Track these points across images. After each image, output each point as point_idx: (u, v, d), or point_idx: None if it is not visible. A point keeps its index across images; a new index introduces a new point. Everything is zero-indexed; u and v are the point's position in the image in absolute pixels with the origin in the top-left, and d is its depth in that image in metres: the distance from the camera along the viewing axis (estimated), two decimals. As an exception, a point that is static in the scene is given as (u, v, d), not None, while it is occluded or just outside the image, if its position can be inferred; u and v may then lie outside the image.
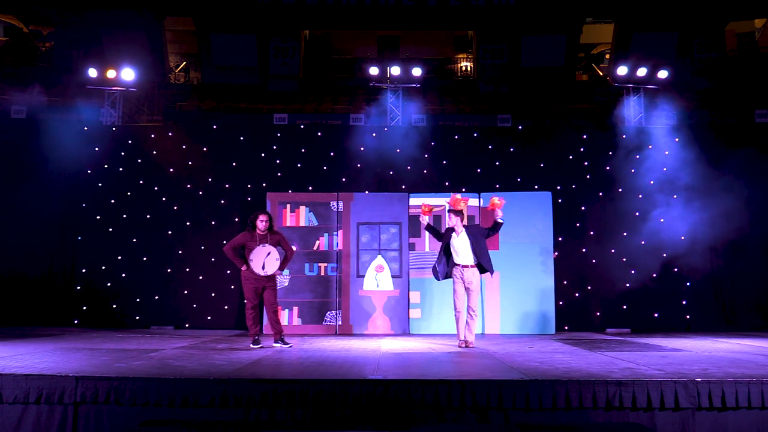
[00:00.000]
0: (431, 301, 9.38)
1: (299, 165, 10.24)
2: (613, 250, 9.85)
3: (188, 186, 10.11)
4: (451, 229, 7.33)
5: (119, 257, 9.90)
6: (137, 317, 9.80)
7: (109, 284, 9.82)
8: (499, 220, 7.27)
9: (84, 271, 9.87)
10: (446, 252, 7.34)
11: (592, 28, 18.68)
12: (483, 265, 7.22)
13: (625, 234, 9.86)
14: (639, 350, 6.82)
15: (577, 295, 9.85)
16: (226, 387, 4.62)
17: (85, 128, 10.28)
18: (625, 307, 9.78)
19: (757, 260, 9.79)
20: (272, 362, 5.86)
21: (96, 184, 10.07)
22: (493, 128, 10.91)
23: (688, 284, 9.82)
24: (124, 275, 9.86)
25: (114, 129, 10.48)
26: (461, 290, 7.25)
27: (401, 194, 9.74)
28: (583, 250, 9.95)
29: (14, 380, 4.68)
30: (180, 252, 9.95)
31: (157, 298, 9.85)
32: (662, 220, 9.74)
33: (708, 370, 5.12)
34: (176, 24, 18.04)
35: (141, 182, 10.10)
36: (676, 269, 9.82)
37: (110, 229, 9.96)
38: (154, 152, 10.17)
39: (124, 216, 10.00)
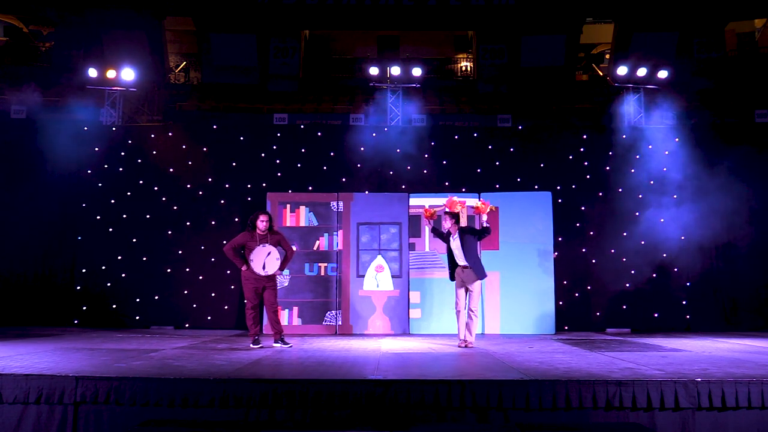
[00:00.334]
0: (431, 301, 9.39)
1: (299, 165, 10.24)
2: (612, 250, 9.85)
3: (188, 186, 10.10)
4: (450, 232, 7.38)
5: (119, 257, 9.89)
6: (137, 317, 9.79)
7: (109, 284, 9.82)
8: (485, 225, 7.27)
9: (84, 271, 9.87)
10: (449, 253, 7.43)
11: (592, 28, 18.68)
12: (472, 269, 7.16)
13: (625, 234, 9.86)
14: (639, 350, 6.82)
15: (577, 295, 9.85)
16: (226, 387, 4.62)
17: (85, 128, 10.26)
18: (625, 307, 9.78)
19: (757, 260, 9.79)
20: (272, 362, 5.86)
21: (96, 184, 10.08)
22: (493, 128, 10.92)
23: (687, 284, 9.82)
24: (124, 275, 9.86)
25: (114, 129, 10.47)
26: (462, 290, 7.31)
27: (401, 194, 9.75)
28: (583, 250, 9.95)
29: (14, 380, 4.68)
30: (180, 252, 9.94)
31: (157, 298, 9.85)
32: (662, 220, 9.74)
33: (708, 370, 5.12)
34: (176, 24, 18.04)
35: (141, 182, 10.10)
36: (676, 269, 9.82)
37: (110, 229, 9.96)
38: (154, 152, 10.17)
39: (124, 216, 10.00)
